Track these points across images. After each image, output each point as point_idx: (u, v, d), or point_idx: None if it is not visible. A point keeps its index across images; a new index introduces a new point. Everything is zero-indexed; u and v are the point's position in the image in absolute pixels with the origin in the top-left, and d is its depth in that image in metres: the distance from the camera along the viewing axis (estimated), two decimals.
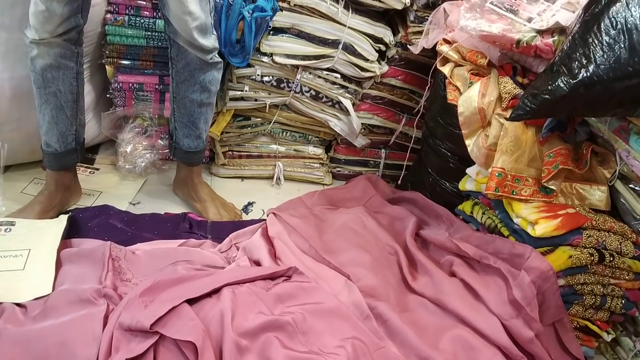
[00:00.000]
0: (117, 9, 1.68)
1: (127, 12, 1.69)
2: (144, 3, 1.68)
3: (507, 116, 1.33)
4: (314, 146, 1.98)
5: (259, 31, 1.67)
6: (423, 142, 1.81)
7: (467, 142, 1.46)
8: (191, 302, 1.19)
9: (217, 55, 1.52)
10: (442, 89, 1.56)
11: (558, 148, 1.36)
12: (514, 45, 1.39)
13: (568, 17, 1.38)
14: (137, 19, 1.69)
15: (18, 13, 1.49)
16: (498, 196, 1.37)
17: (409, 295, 1.39)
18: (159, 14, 1.66)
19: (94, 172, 1.84)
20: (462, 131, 1.46)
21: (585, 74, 1.15)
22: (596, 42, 1.15)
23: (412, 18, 1.74)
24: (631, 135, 1.28)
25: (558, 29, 1.39)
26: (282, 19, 1.69)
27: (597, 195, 1.37)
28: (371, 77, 1.83)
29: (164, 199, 1.76)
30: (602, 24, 1.16)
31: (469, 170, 1.51)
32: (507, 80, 1.42)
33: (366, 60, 1.78)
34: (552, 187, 1.35)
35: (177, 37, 1.45)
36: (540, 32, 1.39)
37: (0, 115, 1.58)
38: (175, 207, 1.74)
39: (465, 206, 1.56)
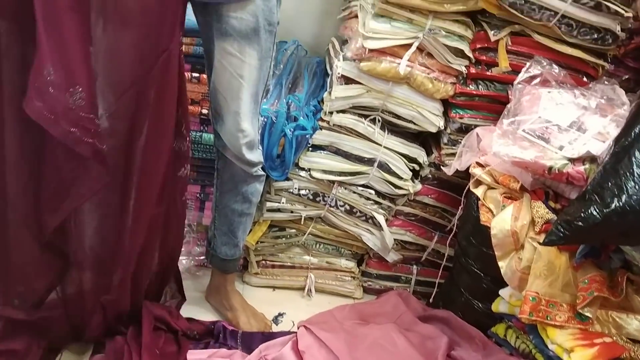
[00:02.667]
0: None
1: None
2: (193, 118, 1.80)
3: (540, 240, 1.34)
4: (346, 259, 2.00)
5: (299, 148, 1.76)
6: (455, 260, 1.82)
7: (500, 264, 1.47)
8: None
9: (261, 168, 1.60)
10: (475, 209, 1.60)
11: (593, 275, 1.36)
12: (546, 172, 1.43)
13: (599, 147, 1.43)
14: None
15: None
16: (532, 321, 1.35)
17: None
18: (205, 128, 1.77)
19: None
20: (495, 253, 1.47)
21: (617, 204, 1.18)
22: (627, 173, 1.19)
23: (445, 140, 1.81)
24: None
25: (589, 158, 1.43)
26: (321, 137, 1.78)
27: (635, 324, 1.34)
28: (405, 195, 1.88)
29: (197, 306, 1.78)
30: (633, 157, 1.20)
31: (502, 292, 1.51)
32: (540, 205, 1.45)
33: (400, 178, 1.84)
34: (588, 314, 1.33)
35: (225, 151, 1.53)
36: (572, 160, 1.43)
37: None
38: (207, 315, 1.75)
39: (499, 329, 1.53)
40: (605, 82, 1.70)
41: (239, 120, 1.45)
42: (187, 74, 1.74)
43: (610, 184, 1.21)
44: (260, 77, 1.43)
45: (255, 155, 1.54)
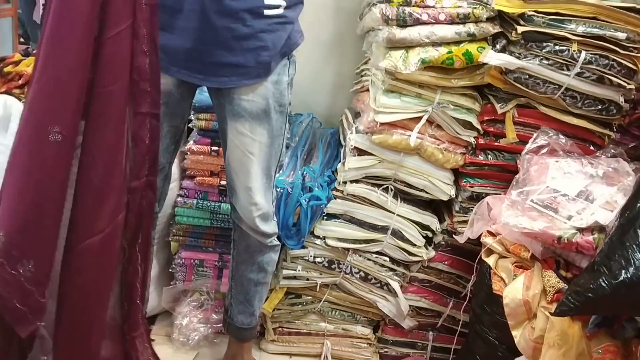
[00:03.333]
0: (187, 193, 1.88)
1: (196, 196, 1.87)
2: (212, 189, 1.87)
3: (552, 310, 1.36)
4: (362, 326, 2.01)
5: (314, 217, 1.81)
6: (470, 327, 1.82)
7: (513, 333, 1.48)
8: None
9: (276, 238, 1.65)
10: (487, 278, 1.62)
11: (606, 345, 1.36)
12: (556, 242, 1.46)
13: (607, 217, 1.46)
14: (205, 202, 1.87)
15: None
16: None
17: None
18: (224, 198, 1.83)
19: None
20: (509, 322, 1.49)
21: (625, 276, 1.20)
22: (634, 246, 1.22)
23: (457, 208, 1.85)
24: None
25: (598, 227, 1.46)
26: (335, 206, 1.84)
27: None
28: (419, 261, 1.91)
29: None
30: (639, 229, 1.23)
31: None
32: (551, 274, 1.47)
33: (414, 245, 1.87)
34: None
35: (240, 223, 1.59)
36: (581, 230, 1.46)
37: None
38: None
39: None
40: (612, 151, 1.74)
41: (252, 195, 1.51)
42: (207, 148, 1.82)
43: (617, 255, 1.23)
44: (271, 154, 1.50)
45: (270, 227, 1.60)
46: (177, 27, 1.34)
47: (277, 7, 1.37)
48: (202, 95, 1.72)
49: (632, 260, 1.21)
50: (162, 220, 1.88)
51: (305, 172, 1.84)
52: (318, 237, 1.87)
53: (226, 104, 1.44)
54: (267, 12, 1.36)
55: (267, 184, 1.54)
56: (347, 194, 1.83)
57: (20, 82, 1.79)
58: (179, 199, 1.87)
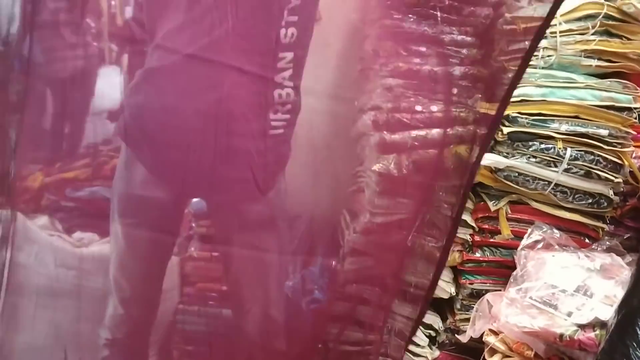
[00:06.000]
0: (189, 299, 1.88)
1: (198, 303, 1.88)
2: (214, 294, 1.87)
3: None
4: None
5: None
6: None
7: None
8: None
9: None
10: None
11: None
12: (558, 339, 1.45)
13: (607, 312, 1.46)
14: (206, 309, 1.87)
15: None
16: None
17: None
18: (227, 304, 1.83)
19: None
20: None
21: None
22: (634, 344, 1.22)
23: (458, 306, 1.85)
24: None
25: (599, 323, 1.46)
26: (337, 308, 1.83)
27: None
28: None
29: None
30: (637, 326, 1.23)
31: None
32: None
33: (417, 345, 1.85)
34: None
35: None
36: (582, 327, 1.46)
37: None
38: None
39: None
40: (608, 243, 1.77)
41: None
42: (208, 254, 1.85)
43: (618, 355, 1.23)
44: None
45: None
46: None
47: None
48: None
49: (633, 359, 1.20)
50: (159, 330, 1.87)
51: (305, 275, 1.85)
52: None
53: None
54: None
55: None
56: (347, 295, 1.83)
57: (27, 197, 1.85)
58: (180, 306, 1.87)
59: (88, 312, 1.63)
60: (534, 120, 1.70)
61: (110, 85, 1.61)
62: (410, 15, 1.79)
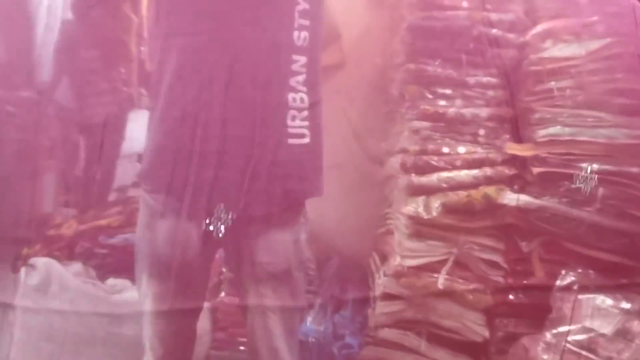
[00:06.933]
0: (220, 344, 1.88)
1: (229, 347, 1.88)
2: (245, 339, 1.87)
3: None
4: None
5: None
6: None
7: None
8: None
9: None
10: None
11: None
12: None
13: None
14: (238, 355, 1.87)
15: None
16: None
17: None
18: None
19: None
20: None
21: None
22: None
23: (493, 350, 1.80)
24: None
25: None
26: (368, 352, 1.81)
27: None
28: None
29: None
30: None
31: None
32: None
33: None
34: None
35: None
36: None
37: None
38: None
39: None
40: None
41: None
42: None
43: None
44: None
45: None
46: None
47: None
48: None
49: None
50: None
51: (336, 320, 1.84)
52: None
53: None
54: None
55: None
56: (380, 340, 1.81)
57: (61, 244, 1.89)
58: (212, 351, 1.88)
59: (120, 358, 1.65)
60: (564, 160, 1.69)
61: (139, 129, 1.65)
62: (435, 59, 1.82)
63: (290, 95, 1.37)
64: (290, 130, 1.38)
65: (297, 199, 1.46)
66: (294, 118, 1.38)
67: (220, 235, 1.38)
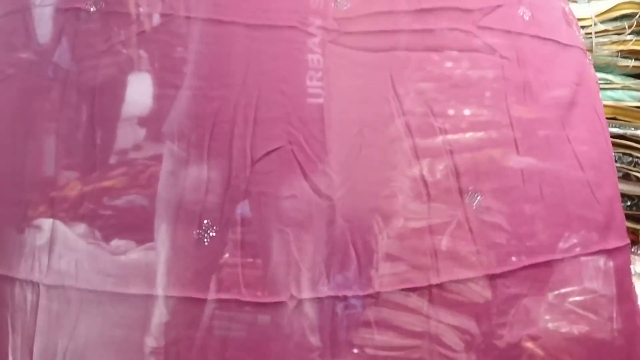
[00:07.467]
0: (224, 305, 1.89)
1: (234, 309, 1.89)
2: (249, 300, 1.88)
3: None
4: None
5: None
6: None
7: None
8: None
9: None
10: None
11: None
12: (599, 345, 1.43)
13: None
14: (242, 315, 1.88)
15: None
16: None
17: None
18: None
19: None
20: None
21: None
22: None
23: (494, 310, 1.83)
24: None
25: None
26: (372, 313, 1.83)
27: None
28: None
29: None
30: None
31: None
32: None
33: (453, 350, 1.84)
34: None
35: None
36: None
37: None
38: None
39: None
40: None
41: None
42: None
43: None
44: None
45: None
46: None
47: None
48: None
49: None
50: None
51: (339, 281, 1.85)
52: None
53: None
54: None
55: None
56: (382, 300, 1.83)
57: (65, 205, 1.89)
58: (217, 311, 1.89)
59: (129, 319, 1.66)
60: None
61: (140, 92, 1.64)
62: (441, 19, 1.80)
63: (309, 56, 1.43)
64: (310, 91, 1.46)
65: None
66: (311, 78, 1.44)
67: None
